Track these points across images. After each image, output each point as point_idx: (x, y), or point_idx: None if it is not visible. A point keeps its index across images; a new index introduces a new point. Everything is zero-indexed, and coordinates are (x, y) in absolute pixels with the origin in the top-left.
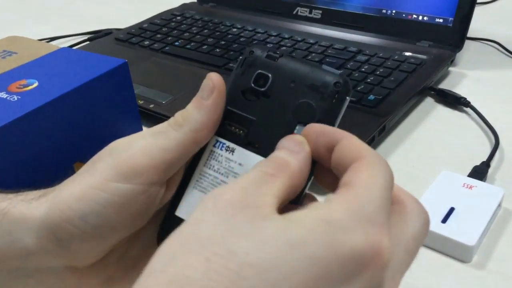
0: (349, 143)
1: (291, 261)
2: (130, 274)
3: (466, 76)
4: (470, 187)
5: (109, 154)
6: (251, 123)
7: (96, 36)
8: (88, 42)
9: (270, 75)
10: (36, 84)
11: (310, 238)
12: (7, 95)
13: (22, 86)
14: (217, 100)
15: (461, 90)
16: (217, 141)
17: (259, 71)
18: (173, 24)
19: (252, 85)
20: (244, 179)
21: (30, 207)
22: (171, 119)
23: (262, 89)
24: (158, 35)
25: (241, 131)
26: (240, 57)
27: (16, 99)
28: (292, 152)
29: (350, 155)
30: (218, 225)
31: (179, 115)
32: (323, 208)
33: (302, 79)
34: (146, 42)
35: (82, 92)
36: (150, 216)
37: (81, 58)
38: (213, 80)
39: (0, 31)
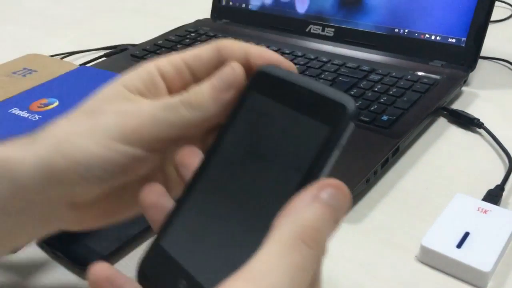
0: None
1: None
2: (129, 204)
3: (478, 96)
4: (485, 211)
5: (114, 112)
6: None
7: (113, 52)
8: (104, 58)
9: None
10: (56, 103)
11: None
12: (28, 114)
13: (43, 105)
14: (235, 95)
15: (474, 110)
16: None
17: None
18: (187, 40)
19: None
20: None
21: (26, 149)
22: (184, 96)
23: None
24: (173, 52)
25: None
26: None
27: (37, 118)
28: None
29: None
30: None
31: (193, 96)
32: None
33: None
34: None
35: None
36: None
37: (99, 77)
38: (236, 71)
39: (17, 45)
